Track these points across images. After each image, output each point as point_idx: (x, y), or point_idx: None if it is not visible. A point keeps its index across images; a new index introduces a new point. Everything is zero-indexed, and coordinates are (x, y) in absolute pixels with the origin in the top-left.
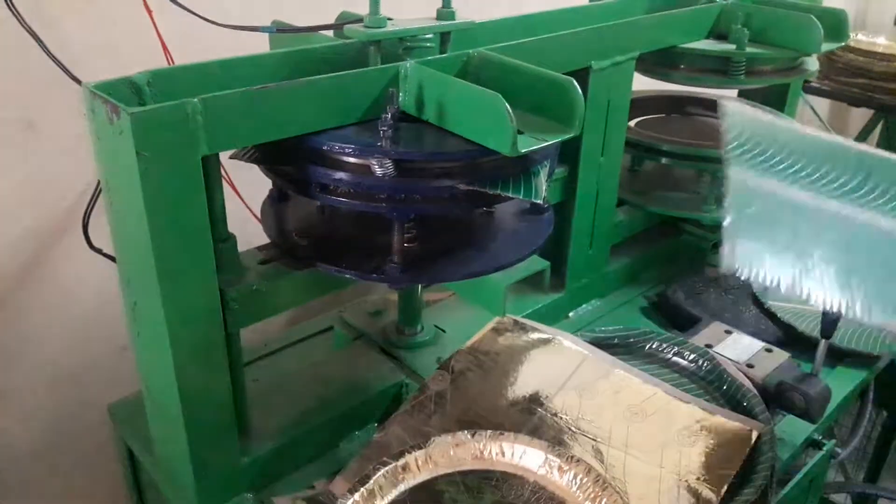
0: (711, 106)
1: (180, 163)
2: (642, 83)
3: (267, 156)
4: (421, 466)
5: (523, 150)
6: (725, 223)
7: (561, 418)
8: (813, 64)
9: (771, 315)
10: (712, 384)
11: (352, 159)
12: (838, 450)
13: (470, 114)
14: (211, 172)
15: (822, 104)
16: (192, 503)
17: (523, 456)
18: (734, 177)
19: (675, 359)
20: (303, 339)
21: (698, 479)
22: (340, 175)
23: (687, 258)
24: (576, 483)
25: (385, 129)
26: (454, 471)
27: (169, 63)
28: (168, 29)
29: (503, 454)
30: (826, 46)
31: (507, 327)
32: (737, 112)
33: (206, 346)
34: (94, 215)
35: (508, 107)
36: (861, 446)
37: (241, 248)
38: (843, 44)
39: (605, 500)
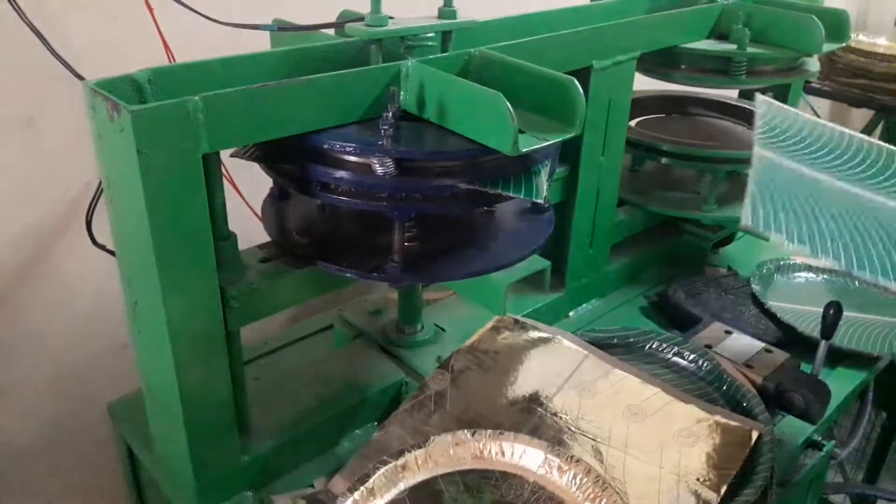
0: (712, 106)
1: (181, 161)
2: (643, 83)
3: (268, 154)
4: (420, 465)
5: (524, 150)
6: (748, 189)
7: (561, 418)
8: (814, 64)
9: (771, 315)
10: (712, 384)
11: (353, 158)
12: (837, 450)
13: (471, 113)
14: (212, 170)
15: (823, 105)
16: (191, 501)
17: (523, 455)
18: (759, 154)
19: (674, 359)
20: (303, 338)
21: (698, 479)
22: (341, 174)
23: (687, 258)
24: (575, 483)
25: (386, 127)
26: (454, 470)
27: (170, 61)
28: (169, 27)
29: (503, 454)
30: (827, 47)
31: (506, 326)
32: (767, 102)
33: (206, 344)
34: (96, 213)
35: (510, 106)
36: (860, 447)
37: (241, 246)
38: (844, 44)
39: (604, 500)
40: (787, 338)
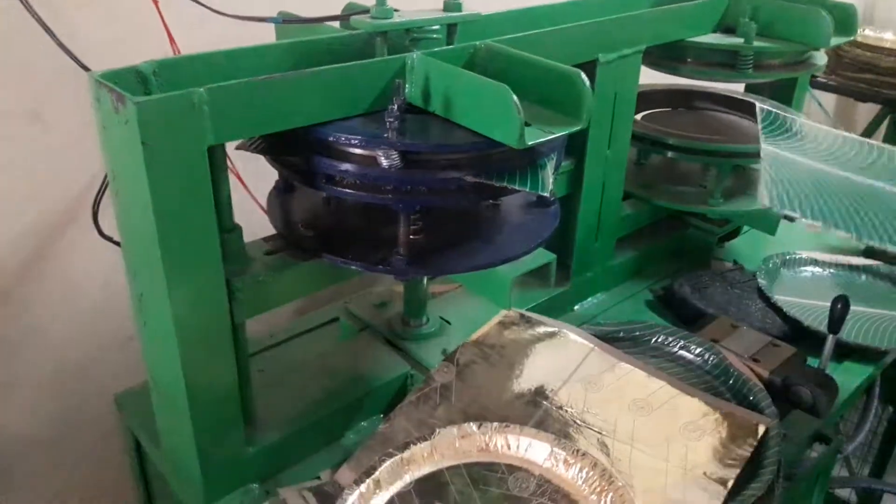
0: (718, 100)
1: (186, 153)
2: (649, 77)
3: (273, 146)
4: (426, 458)
5: (530, 143)
6: (762, 175)
7: (566, 411)
8: (821, 58)
9: (777, 309)
10: (718, 378)
11: (358, 150)
12: (844, 445)
13: (477, 105)
14: (217, 163)
15: (829, 99)
16: (198, 493)
17: (529, 449)
18: (766, 148)
19: (681, 353)
20: (308, 331)
21: (704, 473)
22: (346, 166)
23: (693, 252)
24: (581, 476)
25: (391, 120)
26: (459, 463)
27: (175, 54)
28: (174, 20)
29: (509, 447)
30: (835, 40)
31: (513, 321)
32: (765, 110)
33: (211, 336)
34: (102, 205)
35: (516, 98)
36: (866, 441)
37: (246, 238)
38: (851, 38)
39: (611, 493)
40: (794, 332)
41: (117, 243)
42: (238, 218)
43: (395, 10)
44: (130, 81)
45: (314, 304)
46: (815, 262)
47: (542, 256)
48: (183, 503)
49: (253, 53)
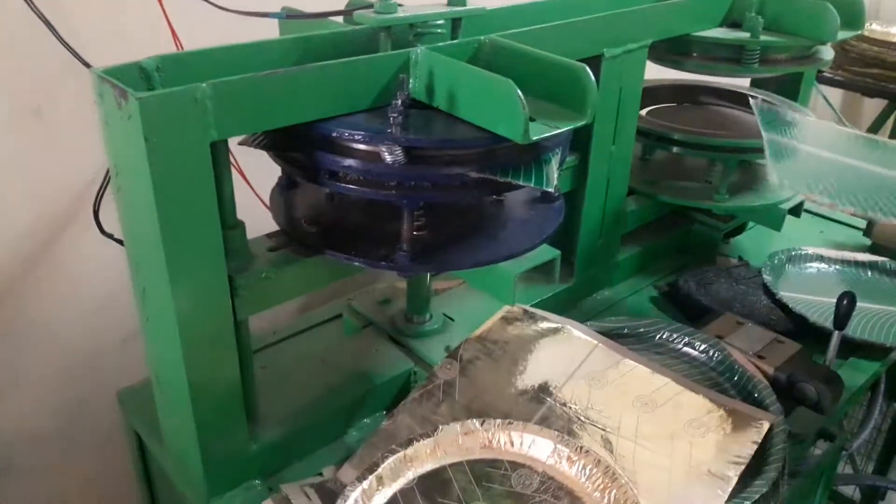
0: (724, 95)
1: (189, 148)
2: (654, 72)
3: (276, 142)
4: (429, 455)
5: (535, 138)
6: (768, 159)
7: (570, 408)
8: (828, 53)
9: (783, 306)
10: (723, 375)
11: (361, 146)
12: (849, 442)
13: (481, 100)
14: (220, 158)
15: (835, 94)
16: (200, 489)
17: (532, 445)
18: (767, 137)
19: (685, 349)
20: (311, 327)
21: (709, 470)
22: (350, 162)
23: (698, 248)
24: (585, 473)
25: (395, 115)
26: (462, 459)
27: (179, 49)
28: (178, 15)
29: (512, 443)
30: (842, 35)
31: (516, 316)
32: (760, 105)
33: (214, 332)
34: (104, 201)
35: (520, 93)
36: (871, 438)
37: (249, 235)
38: (858, 32)
39: (614, 491)
40: (799, 328)
41: (118, 241)
42: (241, 214)
43: (399, 5)
44: (133, 77)
45: (317, 300)
46: (821, 259)
47: (546, 252)
48: (185, 499)
49: (256, 49)
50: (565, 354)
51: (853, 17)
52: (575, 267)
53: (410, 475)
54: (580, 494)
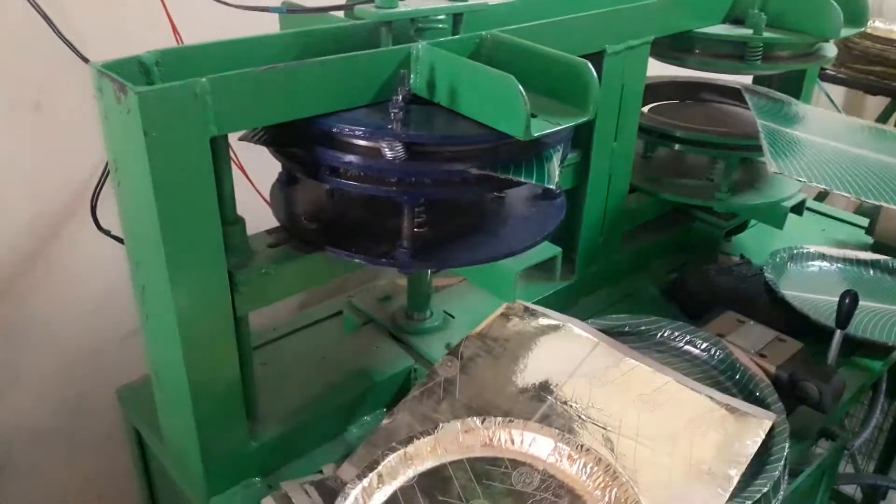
0: (726, 92)
1: (189, 143)
2: (656, 68)
3: (276, 138)
4: (429, 453)
5: (536, 134)
6: (763, 147)
7: (571, 406)
8: (831, 50)
9: (785, 304)
10: (724, 373)
11: (362, 142)
12: (850, 441)
13: (482, 96)
14: (220, 154)
15: (838, 92)
16: (200, 486)
17: (532, 444)
18: (763, 123)
19: (686, 347)
20: (312, 324)
21: (710, 469)
22: (350, 158)
23: (699, 246)
24: (585, 472)
25: (396, 111)
26: (463, 457)
27: (179, 44)
28: (178, 10)
29: (512, 441)
30: (845, 32)
31: (516, 313)
32: (751, 93)
33: (214, 329)
34: (102, 197)
35: (522, 89)
36: (872, 437)
37: (249, 231)
38: (862, 29)
39: (615, 489)
40: (801, 327)
41: (115, 238)
42: (241, 210)
43: (401, 0)
44: (133, 71)
45: (318, 297)
46: (823, 257)
47: (547, 250)
48: (185, 497)
49: (257, 43)
50: (566, 352)
51: (856, 15)
52: (576, 264)
53: (411, 473)
54: (581, 493)
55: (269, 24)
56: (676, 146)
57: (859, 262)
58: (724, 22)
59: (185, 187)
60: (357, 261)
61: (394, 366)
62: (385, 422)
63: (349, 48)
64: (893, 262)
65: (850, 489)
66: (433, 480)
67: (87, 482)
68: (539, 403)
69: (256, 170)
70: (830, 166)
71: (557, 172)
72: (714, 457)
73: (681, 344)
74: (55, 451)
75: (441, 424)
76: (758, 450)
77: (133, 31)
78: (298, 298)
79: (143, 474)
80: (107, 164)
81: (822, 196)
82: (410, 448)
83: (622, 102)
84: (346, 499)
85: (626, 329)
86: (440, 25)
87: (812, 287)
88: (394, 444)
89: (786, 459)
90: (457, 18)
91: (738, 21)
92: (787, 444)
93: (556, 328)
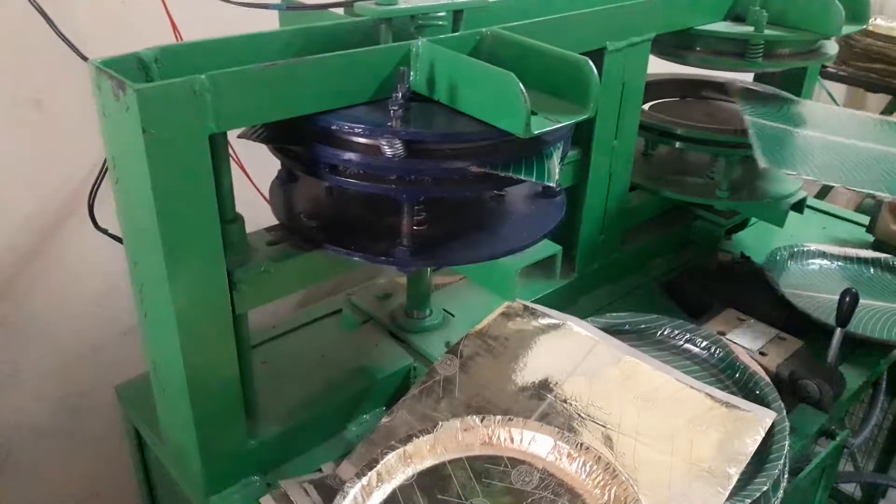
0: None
1: (187, 141)
2: (657, 66)
3: (276, 135)
4: (429, 451)
5: (536, 132)
6: (753, 143)
7: (570, 405)
8: (832, 48)
9: (785, 302)
10: (724, 372)
11: (361, 139)
12: (850, 439)
13: (482, 93)
14: (219, 151)
15: (839, 89)
16: (199, 484)
17: (532, 442)
18: (751, 120)
19: (686, 346)
20: (311, 322)
21: (710, 467)
22: (350, 155)
23: (700, 244)
24: (585, 470)
25: (395, 108)
26: (462, 456)
27: (178, 41)
28: (178, 7)
29: (512, 440)
30: (846, 29)
31: (516, 312)
32: (742, 90)
33: (213, 327)
34: (99, 196)
35: (522, 87)
36: (872, 436)
37: (248, 229)
38: (863, 27)
39: (614, 488)
40: (801, 325)
41: (112, 236)
42: (240, 208)
43: None
44: (131, 68)
45: (317, 295)
46: (824, 255)
47: (547, 248)
48: (184, 495)
49: (256, 41)
50: (566, 351)
51: (858, 12)
52: (576, 263)
53: (410, 471)
54: (580, 491)
55: (268, 22)
56: (677, 144)
57: (860, 260)
58: (725, 19)
59: (184, 185)
60: (356, 259)
61: (393, 364)
62: (384, 420)
63: (349, 45)
64: (894, 260)
65: (850, 487)
66: (432, 479)
67: (86, 480)
68: (539, 402)
69: (256, 167)
70: (821, 158)
71: (557, 170)
72: (714, 455)
73: (681, 342)
74: (54, 448)
75: (440, 423)
76: (758, 448)
77: (133, 29)
78: (298, 296)
79: (141, 472)
80: (104, 163)
81: (822, 194)
82: (410, 446)
83: (623, 100)
84: (345, 497)
85: (626, 327)
86: (440, 22)
87: (812, 285)
88: (393, 442)
89: (785, 458)
90: (457, 15)
91: (739, 18)
92: (786, 443)
93: (555, 327)
